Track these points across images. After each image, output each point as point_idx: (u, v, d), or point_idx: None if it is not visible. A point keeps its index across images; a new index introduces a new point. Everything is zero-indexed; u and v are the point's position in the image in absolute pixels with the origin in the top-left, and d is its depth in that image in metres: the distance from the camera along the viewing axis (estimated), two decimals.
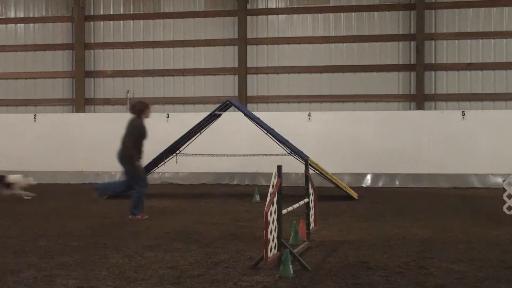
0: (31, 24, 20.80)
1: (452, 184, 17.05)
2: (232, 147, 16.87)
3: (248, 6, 19.55)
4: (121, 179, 11.56)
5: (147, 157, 14.68)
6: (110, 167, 18.70)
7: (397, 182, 17.39)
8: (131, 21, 20.26)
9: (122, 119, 18.79)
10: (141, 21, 20.21)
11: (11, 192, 14.06)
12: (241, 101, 18.52)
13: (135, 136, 10.91)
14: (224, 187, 17.36)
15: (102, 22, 20.47)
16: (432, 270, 6.62)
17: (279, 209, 6.68)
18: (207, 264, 6.97)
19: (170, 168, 15.72)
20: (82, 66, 20.23)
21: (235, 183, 18.08)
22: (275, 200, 6.60)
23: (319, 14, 19.26)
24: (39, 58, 20.67)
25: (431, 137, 17.32)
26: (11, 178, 14.23)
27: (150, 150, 15.48)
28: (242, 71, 19.39)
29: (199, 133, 14.86)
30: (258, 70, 19.53)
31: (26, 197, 14.13)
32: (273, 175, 6.64)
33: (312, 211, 8.60)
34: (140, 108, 11.08)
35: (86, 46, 20.34)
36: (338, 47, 19.14)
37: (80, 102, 20.23)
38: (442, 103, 18.56)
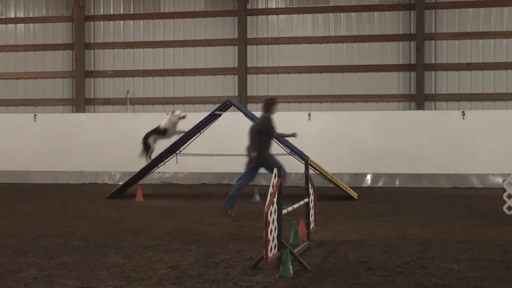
0: (31, 24, 20.81)
1: (452, 184, 17.05)
2: (232, 147, 16.85)
3: (248, 6, 19.55)
4: (239, 179, 11.64)
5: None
6: (110, 167, 18.80)
7: (397, 182, 17.39)
8: (131, 21, 20.27)
9: (122, 119, 19.15)
10: (141, 21, 20.22)
11: (172, 134, 14.06)
12: (241, 101, 18.52)
13: (266, 130, 11.24)
14: (224, 187, 17.35)
15: (102, 22, 20.47)
16: (432, 270, 6.62)
17: (279, 209, 6.68)
18: (207, 264, 6.97)
19: (170, 168, 15.73)
20: (82, 66, 20.23)
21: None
22: (275, 200, 6.60)
23: (319, 14, 19.26)
24: (39, 58, 20.68)
25: (431, 137, 17.32)
26: (164, 124, 14.17)
27: None
28: (242, 71, 19.39)
29: (199, 133, 14.85)
30: (258, 70, 19.53)
31: (179, 134, 14.16)
32: (273, 175, 6.64)
33: (312, 211, 8.60)
34: (271, 104, 11.45)
35: (86, 46, 20.35)
36: (338, 47, 19.15)
37: (80, 102, 20.24)
38: (442, 103, 18.57)
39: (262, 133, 11.25)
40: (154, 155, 14.54)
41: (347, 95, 19.05)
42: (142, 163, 14.79)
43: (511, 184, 11.08)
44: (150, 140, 14.23)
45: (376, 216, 11.10)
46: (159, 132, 14.23)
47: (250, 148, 11.36)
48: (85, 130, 18.94)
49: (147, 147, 14.32)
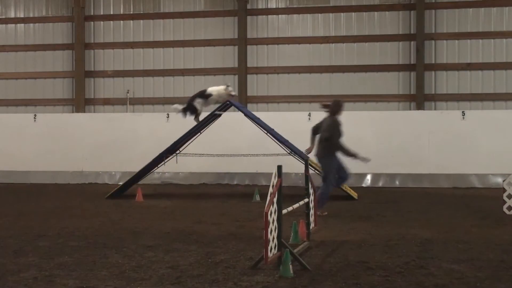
0: (31, 24, 20.81)
1: (452, 184, 17.04)
2: (232, 147, 16.88)
3: (248, 6, 19.55)
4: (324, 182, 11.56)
5: (147, 157, 14.80)
6: (110, 167, 18.79)
7: (397, 182, 17.39)
8: (131, 21, 20.27)
9: (122, 119, 19.15)
10: (141, 21, 20.22)
11: (216, 101, 13.86)
12: (241, 101, 18.51)
13: (335, 133, 11.27)
14: (224, 187, 17.36)
15: (102, 22, 20.47)
16: (432, 270, 6.62)
17: (279, 209, 6.68)
18: (207, 264, 6.97)
19: (170, 168, 15.72)
20: (82, 66, 20.23)
21: (235, 183, 18.08)
22: (275, 200, 6.60)
23: (319, 14, 19.26)
24: (39, 58, 20.68)
25: (431, 137, 17.31)
26: (211, 89, 13.93)
27: (150, 150, 15.64)
28: (242, 71, 19.39)
29: (199, 133, 14.85)
30: (258, 70, 19.53)
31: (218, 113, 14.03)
32: (273, 175, 6.64)
33: (312, 211, 8.60)
34: (339, 107, 11.58)
35: (86, 46, 20.35)
36: (338, 47, 19.15)
37: (80, 102, 20.24)
38: (442, 103, 18.56)
39: (332, 137, 11.22)
40: (154, 155, 14.53)
41: (347, 95, 19.02)
42: (142, 163, 14.80)
43: (511, 184, 11.07)
44: (196, 103, 13.94)
45: (376, 216, 11.10)
46: (203, 96, 13.92)
47: (320, 153, 11.37)
48: (85, 130, 18.94)
49: (193, 110, 13.87)
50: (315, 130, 11.91)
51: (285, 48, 19.44)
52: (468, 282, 6.13)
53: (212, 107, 14.40)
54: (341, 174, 11.55)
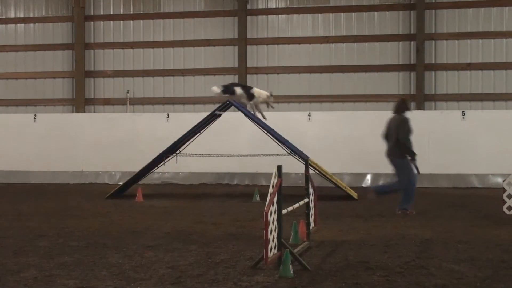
0: (31, 24, 20.82)
1: (452, 184, 17.04)
2: (232, 147, 16.88)
3: (248, 6, 19.56)
4: (394, 178, 11.62)
5: (147, 157, 14.80)
6: (110, 167, 18.80)
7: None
8: (131, 21, 20.27)
9: (122, 119, 19.15)
10: (141, 21, 20.22)
11: (252, 103, 13.85)
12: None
13: (404, 132, 11.24)
14: (224, 187, 17.36)
15: (102, 22, 20.48)
16: (432, 270, 6.62)
17: (279, 209, 6.68)
18: (207, 264, 6.97)
19: (170, 168, 15.72)
20: (82, 66, 20.24)
21: (235, 183, 18.08)
22: (275, 200, 6.60)
23: (319, 14, 19.27)
24: (39, 58, 20.68)
25: (431, 137, 17.31)
26: (255, 90, 13.97)
27: (150, 150, 15.64)
28: (242, 71, 19.39)
29: (199, 133, 14.85)
30: (258, 70, 19.53)
31: (263, 117, 13.99)
32: (273, 175, 6.64)
33: (312, 211, 8.59)
34: (403, 105, 11.55)
35: (86, 46, 20.36)
36: (338, 47, 19.15)
37: (80, 102, 20.24)
38: (442, 103, 18.57)
39: (401, 136, 11.22)
40: (154, 155, 14.53)
41: (347, 95, 19.06)
42: (142, 163, 14.80)
43: (511, 184, 11.07)
44: (237, 89, 13.92)
45: (376, 216, 11.10)
46: (247, 92, 13.85)
47: (392, 152, 11.38)
48: (85, 130, 18.94)
49: (231, 92, 13.87)
50: (386, 133, 11.73)
51: (285, 48, 19.44)
52: (468, 282, 6.13)
53: (212, 107, 14.38)
54: (411, 177, 11.41)
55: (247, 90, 14.01)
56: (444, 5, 18.63)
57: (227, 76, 19.62)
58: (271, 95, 14.08)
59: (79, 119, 19.42)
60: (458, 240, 8.46)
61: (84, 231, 9.41)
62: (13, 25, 20.91)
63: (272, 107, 14.27)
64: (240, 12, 19.44)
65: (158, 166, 14.91)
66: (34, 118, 19.38)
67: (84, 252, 7.68)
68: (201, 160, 16.27)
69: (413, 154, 11.23)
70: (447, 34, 18.60)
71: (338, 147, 17.46)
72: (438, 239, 8.62)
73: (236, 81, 19.39)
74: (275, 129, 13.99)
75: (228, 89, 14.01)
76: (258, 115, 14.02)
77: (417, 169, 11.32)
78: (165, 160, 14.67)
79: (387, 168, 17.39)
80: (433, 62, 18.62)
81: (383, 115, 17.79)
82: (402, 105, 11.62)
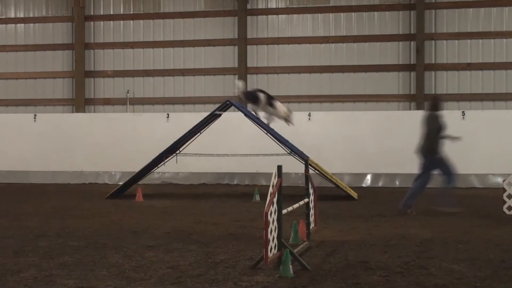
0: (31, 24, 20.82)
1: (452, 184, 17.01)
2: (232, 147, 16.88)
3: (248, 6, 19.56)
4: (416, 180, 11.63)
5: (147, 157, 14.81)
6: (110, 167, 18.80)
7: (397, 182, 17.38)
8: (131, 21, 20.28)
9: (122, 119, 19.15)
10: (141, 21, 20.22)
11: (272, 113, 13.76)
12: (241, 101, 18.51)
13: (437, 129, 11.40)
14: (224, 187, 17.36)
15: (102, 22, 20.48)
16: (432, 270, 6.62)
17: (279, 209, 6.68)
18: (207, 264, 6.97)
19: (170, 168, 15.72)
20: (82, 66, 20.24)
21: (235, 183, 18.09)
22: (275, 200, 6.60)
23: (319, 14, 19.27)
24: (39, 58, 20.69)
25: None
26: (277, 103, 13.84)
27: (150, 150, 15.64)
28: (242, 71, 19.39)
29: (199, 133, 14.85)
30: (258, 70, 19.53)
31: (287, 122, 13.94)
32: (273, 175, 6.64)
33: (312, 211, 8.59)
34: (436, 103, 11.70)
35: (86, 46, 20.36)
36: (338, 47, 19.16)
37: (80, 102, 20.24)
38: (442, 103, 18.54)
39: (434, 133, 11.35)
40: (154, 155, 14.54)
41: (347, 95, 19.06)
42: (142, 163, 14.80)
43: (511, 184, 11.08)
44: (260, 96, 13.73)
45: (376, 216, 11.10)
46: (269, 102, 13.73)
47: (423, 150, 11.43)
48: (85, 130, 18.94)
49: (254, 99, 13.76)
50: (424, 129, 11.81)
51: (285, 48, 19.45)
52: (468, 282, 6.13)
53: (212, 107, 14.38)
54: (448, 174, 11.50)
55: (270, 100, 13.78)
56: (444, 5, 18.63)
57: (227, 76, 19.64)
58: (291, 111, 14.06)
59: (79, 119, 19.42)
60: (458, 240, 8.46)
61: (84, 231, 9.41)
62: (13, 25, 20.91)
63: (292, 124, 14.03)
64: (240, 12, 19.45)
65: (158, 166, 14.92)
66: (34, 118, 19.38)
67: (84, 252, 7.68)
68: (201, 160, 16.27)
69: (434, 153, 11.36)
70: (447, 34, 18.60)
71: (338, 147, 17.46)
72: (438, 239, 8.62)
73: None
74: (275, 129, 13.99)
75: (251, 94, 13.86)
76: (263, 119, 13.91)
77: (456, 138, 11.66)
78: (165, 160, 14.67)
79: (387, 168, 17.57)
80: (433, 62, 18.62)
81: (383, 115, 18.04)
82: (434, 102, 11.73)
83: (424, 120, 11.61)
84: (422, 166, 11.46)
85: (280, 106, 13.79)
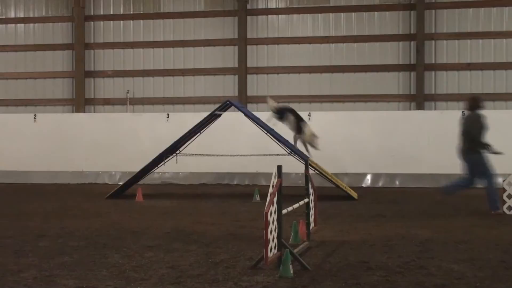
0: (31, 24, 20.81)
1: None
2: (232, 147, 16.87)
3: (248, 6, 19.55)
4: (464, 175, 11.69)
5: (147, 157, 14.80)
6: (110, 167, 18.80)
7: (397, 182, 17.38)
8: (131, 21, 20.27)
9: (122, 119, 19.15)
10: (141, 21, 20.22)
11: (299, 135, 13.93)
12: (241, 101, 18.52)
13: (479, 129, 11.32)
14: (224, 187, 17.36)
15: (102, 22, 20.48)
16: (432, 270, 6.62)
17: (279, 209, 6.68)
18: (207, 264, 6.97)
19: (170, 168, 15.72)
20: (82, 66, 20.24)
21: (235, 183, 18.08)
22: (275, 200, 6.60)
23: (319, 14, 19.27)
24: (39, 58, 20.68)
25: (431, 137, 17.30)
26: (306, 126, 14.01)
27: (150, 150, 15.64)
28: (242, 71, 19.39)
29: (199, 133, 14.85)
30: (258, 70, 19.53)
31: (307, 152, 14.01)
32: (273, 175, 6.64)
33: (312, 211, 8.59)
34: (475, 102, 11.64)
35: (86, 46, 20.36)
36: (338, 47, 19.15)
37: (80, 102, 20.24)
38: (442, 103, 18.56)
39: (474, 133, 11.28)
40: (154, 155, 14.53)
41: (347, 95, 19.06)
42: (142, 163, 14.80)
43: (511, 184, 11.08)
44: (291, 116, 13.90)
45: (376, 216, 11.10)
46: (299, 123, 13.93)
47: (464, 150, 11.44)
48: (85, 130, 18.94)
49: (282, 117, 13.98)
50: (461, 131, 11.74)
51: (285, 48, 19.44)
52: (468, 282, 6.13)
53: (212, 107, 14.38)
54: (488, 175, 11.48)
55: (299, 121, 13.95)
56: (444, 5, 18.63)
57: (227, 76, 19.64)
58: (316, 137, 14.14)
59: (79, 119, 19.42)
60: (458, 240, 8.46)
61: (84, 231, 9.41)
62: (13, 25, 20.91)
63: (317, 149, 14.08)
64: (240, 12, 19.44)
65: (158, 166, 14.91)
66: (34, 118, 19.38)
67: (84, 252, 7.68)
68: (201, 160, 16.26)
69: (487, 146, 11.33)
70: (447, 34, 18.59)
71: (338, 147, 17.44)
72: (438, 239, 8.62)
73: (236, 81, 19.42)
74: (275, 129, 13.99)
75: (281, 112, 14.03)
76: (301, 147, 14.02)
77: (498, 153, 11.51)
78: (165, 160, 14.67)
79: (387, 168, 17.57)
80: (433, 62, 18.62)
81: (383, 115, 18.03)
82: (474, 102, 11.66)
83: (464, 120, 11.58)
84: (471, 168, 11.41)
85: (309, 130, 13.99)
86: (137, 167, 15.04)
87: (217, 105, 14.89)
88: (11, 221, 10.60)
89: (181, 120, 17.50)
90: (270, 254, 6.33)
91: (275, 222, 6.58)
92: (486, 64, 18.35)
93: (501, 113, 17.66)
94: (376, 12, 18.97)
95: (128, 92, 20.07)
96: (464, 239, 8.55)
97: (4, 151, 19.03)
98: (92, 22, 20.51)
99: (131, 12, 20.26)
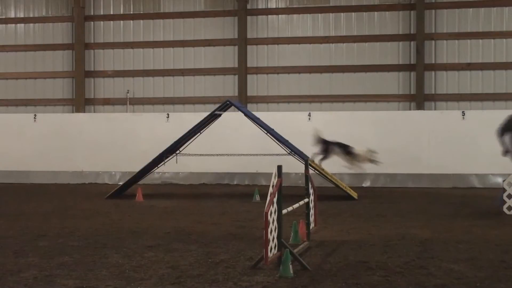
0: (31, 24, 20.81)
1: (452, 184, 17.04)
2: (232, 147, 16.87)
3: (248, 6, 19.55)
4: None
5: (147, 157, 14.81)
6: (110, 167, 18.80)
7: (397, 182, 17.38)
8: (131, 21, 20.27)
9: (122, 119, 19.15)
10: (141, 21, 20.21)
11: (353, 161, 14.33)
12: (241, 101, 18.51)
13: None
14: (224, 187, 17.36)
15: (102, 22, 20.47)
16: (432, 270, 6.62)
17: (279, 209, 6.68)
18: (207, 264, 6.97)
19: (170, 168, 15.73)
20: (82, 66, 20.23)
21: (235, 183, 18.09)
22: (275, 200, 6.60)
23: (319, 14, 19.26)
24: (39, 58, 20.68)
25: (431, 137, 17.31)
26: (355, 149, 14.48)
27: (150, 150, 15.64)
28: (242, 71, 19.39)
29: (199, 133, 14.85)
30: (258, 70, 19.53)
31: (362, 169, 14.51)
32: (273, 175, 6.64)
33: (312, 211, 8.60)
34: None
35: (86, 46, 20.35)
36: (338, 47, 19.15)
37: (80, 102, 20.24)
38: (442, 103, 18.56)
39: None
40: (154, 155, 14.53)
41: (347, 95, 19.05)
42: (142, 163, 14.80)
43: (511, 184, 11.08)
44: (333, 148, 14.62)
45: (376, 216, 11.10)
46: (347, 151, 14.54)
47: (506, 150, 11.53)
48: (85, 130, 18.94)
49: (325, 153, 14.70)
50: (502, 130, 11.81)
51: (285, 48, 19.44)
52: (468, 282, 6.13)
53: (212, 107, 14.38)
54: None
55: (346, 149, 14.60)
56: (444, 5, 18.62)
57: (227, 76, 19.63)
58: (372, 151, 14.32)
59: (79, 119, 19.43)
60: (458, 240, 8.47)
61: (84, 231, 9.41)
62: (13, 25, 20.91)
63: (380, 162, 14.49)
64: (240, 12, 19.44)
65: (158, 166, 14.91)
66: (34, 118, 19.39)
67: (84, 252, 7.69)
68: (201, 160, 16.26)
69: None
70: (447, 34, 18.59)
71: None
72: (438, 239, 8.62)
73: (236, 81, 19.41)
74: (275, 129, 14.00)
75: (325, 146, 14.77)
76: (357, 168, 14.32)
77: None
78: (165, 160, 14.67)
79: (387, 168, 17.55)
80: (433, 62, 18.61)
81: (383, 115, 18.03)
82: None
83: (505, 121, 11.67)
84: None
85: (360, 152, 14.48)
86: (137, 167, 15.05)
87: (217, 105, 14.90)
88: (11, 221, 10.61)
89: (181, 120, 17.51)
90: (270, 254, 6.33)
91: (275, 222, 6.59)
92: (486, 64, 18.34)
93: (501, 113, 17.61)
94: (376, 12, 18.97)
95: (128, 92, 20.06)
96: (464, 239, 8.55)
97: (4, 151, 19.04)
98: (92, 22, 20.51)
99: (131, 12, 20.26)
